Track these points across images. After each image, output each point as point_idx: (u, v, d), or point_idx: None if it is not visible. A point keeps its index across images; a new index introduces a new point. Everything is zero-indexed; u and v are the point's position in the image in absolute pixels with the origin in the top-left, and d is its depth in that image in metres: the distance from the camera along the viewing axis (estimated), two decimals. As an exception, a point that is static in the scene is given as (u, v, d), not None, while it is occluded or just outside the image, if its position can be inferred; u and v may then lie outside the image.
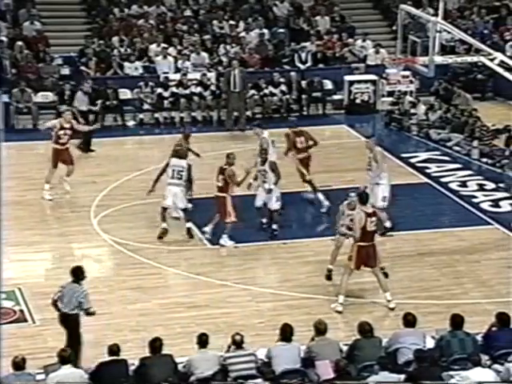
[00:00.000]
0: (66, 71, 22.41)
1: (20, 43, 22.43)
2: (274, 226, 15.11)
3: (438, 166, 18.80)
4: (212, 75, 22.39)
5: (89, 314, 10.96)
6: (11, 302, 12.12)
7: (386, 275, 13.20)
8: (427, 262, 14.33)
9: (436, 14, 18.59)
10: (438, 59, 16.47)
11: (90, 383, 9.65)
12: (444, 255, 14.57)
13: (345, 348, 10.22)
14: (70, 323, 10.90)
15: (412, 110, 21.69)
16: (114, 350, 9.82)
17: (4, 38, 22.54)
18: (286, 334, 10.12)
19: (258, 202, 15.19)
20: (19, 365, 9.61)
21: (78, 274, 11.12)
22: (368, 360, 9.89)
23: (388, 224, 15.14)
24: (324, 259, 13.97)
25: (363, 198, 12.90)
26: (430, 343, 10.39)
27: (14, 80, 21.70)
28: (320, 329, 10.25)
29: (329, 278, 13.50)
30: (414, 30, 20.87)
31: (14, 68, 22.09)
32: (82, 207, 16.18)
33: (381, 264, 13.10)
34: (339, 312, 12.68)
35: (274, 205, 15.07)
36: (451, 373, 9.70)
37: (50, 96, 21.66)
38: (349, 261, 12.79)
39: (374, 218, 12.71)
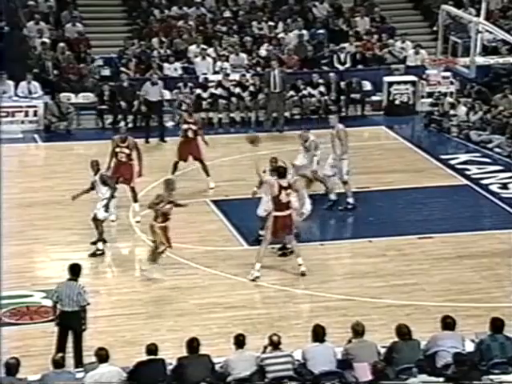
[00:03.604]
0: (106, 72, 22.59)
1: (62, 44, 22.66)
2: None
3: (479, 168, 18.61)
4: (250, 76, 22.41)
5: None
6: (51, 300, 12.17)
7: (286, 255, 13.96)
8: (467, 264, 14.19)
9: (478, 15, 18.44)
10: (480, 60, 16.34)
11: (128, 382, 9.71)
12: (484, 258, 14.42)
13: (382, 350, 10.16)
14: (75, 322, 10.85)
15: (452, 112, 21.50)
16: (152, 349, 9.85)
17: (47, 40, 22.80)
18: (319, 335, 10.09)
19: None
20: (59, 363, 9.68)
21: (76, 271, 11.06)
22: (406, 363, 9.81)
23: (333, 197, 15.83)
24: (360, 261, 13.91)
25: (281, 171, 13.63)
26: (469, 347, 10.28)
27: (56, 81, 21.93)
28: (357, 330, 10.19)
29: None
30: (455, 31, 20.73)
31: (55, 69, 22.32)
32: (122, 207, 16.23)
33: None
34: (257, 277, 13.28)
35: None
36: (491, 377, 9.59)
37: (90, 97, 21.87)
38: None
39: (288, 191, 13.39)
